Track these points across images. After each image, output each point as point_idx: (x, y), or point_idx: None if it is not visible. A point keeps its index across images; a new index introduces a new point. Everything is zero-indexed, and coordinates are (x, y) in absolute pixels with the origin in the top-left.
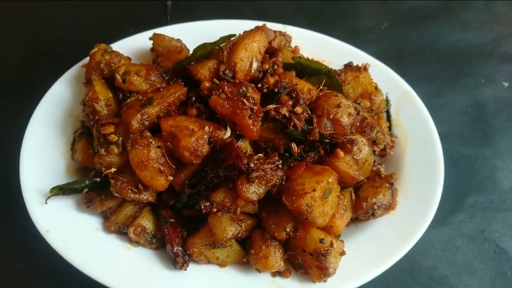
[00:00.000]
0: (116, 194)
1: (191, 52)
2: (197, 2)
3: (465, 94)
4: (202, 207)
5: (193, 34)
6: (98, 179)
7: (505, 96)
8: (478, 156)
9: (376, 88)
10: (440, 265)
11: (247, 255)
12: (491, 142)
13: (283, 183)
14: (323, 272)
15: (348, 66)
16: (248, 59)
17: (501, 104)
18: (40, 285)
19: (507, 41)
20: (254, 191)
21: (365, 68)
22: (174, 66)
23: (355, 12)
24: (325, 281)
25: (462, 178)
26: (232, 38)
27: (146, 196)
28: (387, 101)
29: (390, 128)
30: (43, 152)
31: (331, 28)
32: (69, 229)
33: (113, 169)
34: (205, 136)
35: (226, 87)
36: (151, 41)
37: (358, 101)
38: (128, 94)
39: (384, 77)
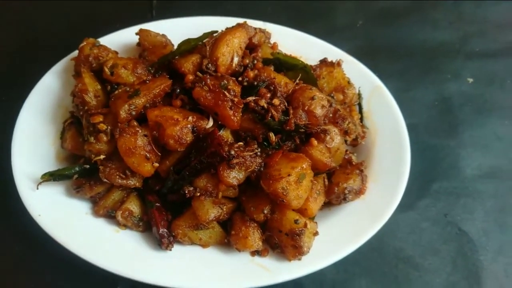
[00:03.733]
0: (105, 180)
1: (175, 47)
2: None
3: (432, 89)
4: (186, 192)
5: (177, 29)
6: (88, 166)
7: (470, 91)
8: (443, 146)
9: (348, 82)
10: (407, 246)
11: (228, 236)
12: (455, 134)
13: (261, 169)
14: (298, 251)
15: (323, 62)
16: (229, 54)
17: (465, 98)
18: (32, 266)
19: (473, 40)
20: (234, 176)
21: (338, 63)
22: (160, 60)
23: (332, 10)
24: (299, 259)
25: (428, 166)
26: (214, 34)
27: (133, 182)
28: (359, 94)
29: (361, 119)
30: (33, 140)
31: (309, 25)
32: (60, 213)
33: (102, 156)
34: (189, 126)
35: (208, 80)
36: (138, 36)
37: (332, 95)
38: (116, 86)
39: (357, 72)
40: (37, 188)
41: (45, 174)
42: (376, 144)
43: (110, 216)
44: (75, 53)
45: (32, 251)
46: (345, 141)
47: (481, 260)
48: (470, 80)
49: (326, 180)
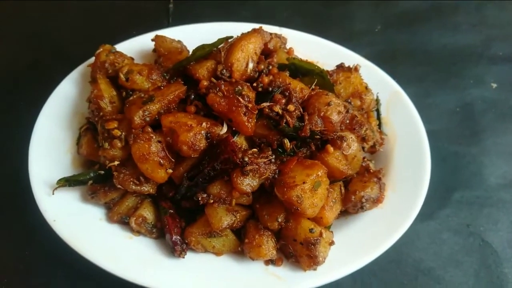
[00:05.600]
0: (119, 186)
1: (190, 53)
2: (198, 5)
3: (454, 94)
4: (200, 199)
5: (193, 35)
6: (102, 172)
7: (493, 97)
8: (465, 154)
9: (366, 88)
10: (427, 257)
11: (241, 245)
12: (478, 141)
13: (276, 176)
14: (313, 261)
15: (340, 67)
16: (244, 60)
17: (488, 104)
18: (47, 271)
19: (496, 43)
20: (248, 183)
21: (356, 69)
22: (175, 66)
23: (349, 15)
24: (315, 269)
25: (449, 175)
26: (229, 40)
27: (147, 188)
28: (377, 100)
29: (380, 126)
30: (50, 147)
31: (326, 30)
32: (74, 219)
33: (116, 162)
34: (203, 132)
35: (223, 86)
36: (153, 43)
37: (349, 100)
38: (131, 92)
39: (375, 78)
40: (53, 194)
41: (60, 180)
42: (395, 151)
43: (124, 222)
44: (92, 59)
45: (46, 255)
46: (363, 148)
47: (506, 273)
48: (494, 85)
49: (342, 188)
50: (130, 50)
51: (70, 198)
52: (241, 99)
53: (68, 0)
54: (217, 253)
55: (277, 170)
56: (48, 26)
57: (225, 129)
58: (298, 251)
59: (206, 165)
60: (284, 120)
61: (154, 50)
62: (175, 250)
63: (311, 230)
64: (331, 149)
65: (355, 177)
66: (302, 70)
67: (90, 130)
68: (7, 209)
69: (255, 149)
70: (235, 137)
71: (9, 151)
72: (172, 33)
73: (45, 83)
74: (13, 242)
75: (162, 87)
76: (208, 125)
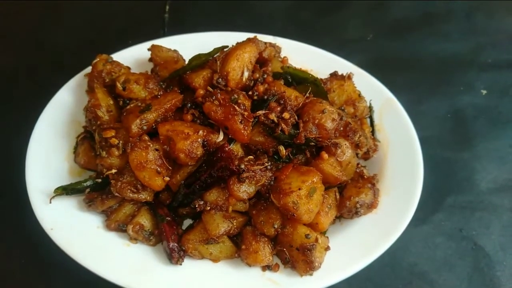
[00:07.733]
0: (116, 194)
1: (187, 62)
2: (193, 15)
3: (445, 101)
4: (197, 206)
5: (189, 45)
6: (99, 180)
7: (483, 103)
8: (457, 159)
9: (359, 95)
10: (421, 261)
11: (238, 251)
12: (469, 146)
13: (272, 183)
14: (309, 266)
15: (334, 75)
16: (239, 69)
17: (479, 110)
18: (44, 280)
19: (485, 51)
20: (244, 190)
21: (349, 77)
22: (171, 75)
23: (342, 24)
24: (311, 274)
25: (442, 180)
26: (225, 49)
27: (144, 196)
28: (370, 107)
29: (373, 133)
30: (47, 155)
31: (319, 39)
32: (72, 227)
33: (113, 170)
34: (199, 140)
35: (219, 95)
36: (150, 52)
37: (343, 108)
38: (128, 101)
39: (368, 85)
40: (50, 202)
41: (58, 188)
42: (388, 157)
43: (121, 230)
44: (89, 69)
45: (44, 264)
46: (357, 154)
47: (498, 276)
48: (484, 92)
49: (337, 194)
50: (126, 60)
51: (67, 207)
52: (237, 107)
53: (65, 9)
54: (214, 260)
55: (273, 177)
56: (45, 36)
57: (221, 137)
58: (294, 257)
59: (203, 173)
60: (280, 128)
61: (150, 60)
62: (172, 257)
63: (307, 236)
64: (325, 155)
65: (349, 183)
66: (296, 79)
67: (87, 139)
68: (4, 217)
69: (251, 156)
70: (232, 144)
71: (6, 159)
72: (168, 42)
73: (42, 92)
74: (10, 251)
75: (159, 96)
76: (204, 133)
